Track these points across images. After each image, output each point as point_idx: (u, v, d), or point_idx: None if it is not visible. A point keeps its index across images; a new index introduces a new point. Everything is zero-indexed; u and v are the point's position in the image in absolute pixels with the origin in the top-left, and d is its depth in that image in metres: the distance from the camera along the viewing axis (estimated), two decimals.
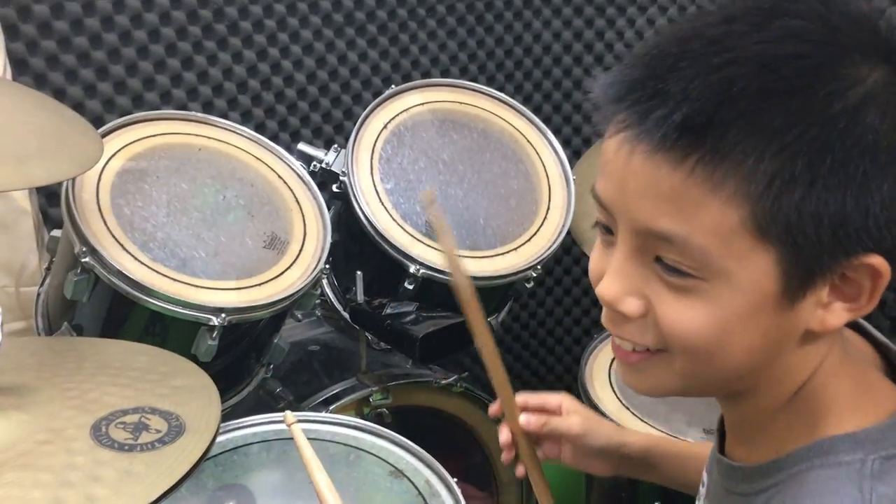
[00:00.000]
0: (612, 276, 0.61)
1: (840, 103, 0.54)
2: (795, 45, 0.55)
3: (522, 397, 0.93)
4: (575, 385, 1.50)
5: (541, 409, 0.93)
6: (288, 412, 0.80)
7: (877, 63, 0.56)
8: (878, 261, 0.57)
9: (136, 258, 1.17)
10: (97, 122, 1.53)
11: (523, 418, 0.90)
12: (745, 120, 0.54)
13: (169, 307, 1.15)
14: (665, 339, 0.60)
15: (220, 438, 1.16)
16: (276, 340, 1.38)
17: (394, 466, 1.14)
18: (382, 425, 1.22)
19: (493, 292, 1.51)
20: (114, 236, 1.17)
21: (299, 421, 1.20)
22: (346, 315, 1.48)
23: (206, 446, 0.70)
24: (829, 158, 0.54)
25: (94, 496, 0.63)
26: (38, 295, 1.35)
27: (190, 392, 0.79)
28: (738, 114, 0.54)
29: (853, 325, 0.70)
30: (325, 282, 1.53)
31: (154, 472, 0.67)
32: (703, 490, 0.77)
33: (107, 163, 1.23)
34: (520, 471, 0.91)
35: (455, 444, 1.61)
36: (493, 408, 0.94)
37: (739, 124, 0.54)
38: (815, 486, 0.59)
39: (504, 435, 0.90)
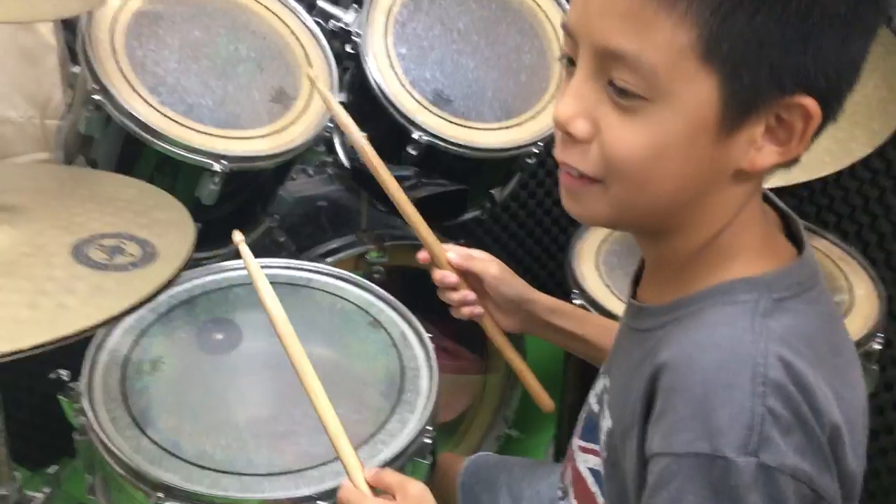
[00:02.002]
0: (568, 98, 0.64)
1: None
2: None
3: (449, 245, 1.06)
4: (560, 271, 1.54)
5: (465, 254, 1.04)
6: (235, 231, 0.87)
7: None
8: (810, 102, 0.60)
9: (145, 100, 1.22)
10: None
11: (450, 255, 1.03)
12: None
13: (173, 150, 1.22)
14: (605, 164, 0.64)
15: (216, 276, 1.24)
16: (280, 192, 1.45)
17: (373, 317, 1.21)
18: (376, 282, 1.29)
19: (497, 165, 1.55)
20: (125, 76, 1.22)
21: (294, 269, 1.29)
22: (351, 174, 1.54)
23: (172, 274, 0.78)
24: None
25: (66, 304, 0.71)
26: (60, 128, 1.42)
27: (168, 225, 0.86)
28: None
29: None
30: (336, 140, 1.58)
31: (122, 289, 0.74)
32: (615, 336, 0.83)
33: (123, 4, 1.27)
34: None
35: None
36: (422, 254, 1.07)
37: None
38: (710, 318, 0.65)
39: (437, 275, 1.04)
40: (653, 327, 0.70)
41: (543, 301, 1.05)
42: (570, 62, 0.66)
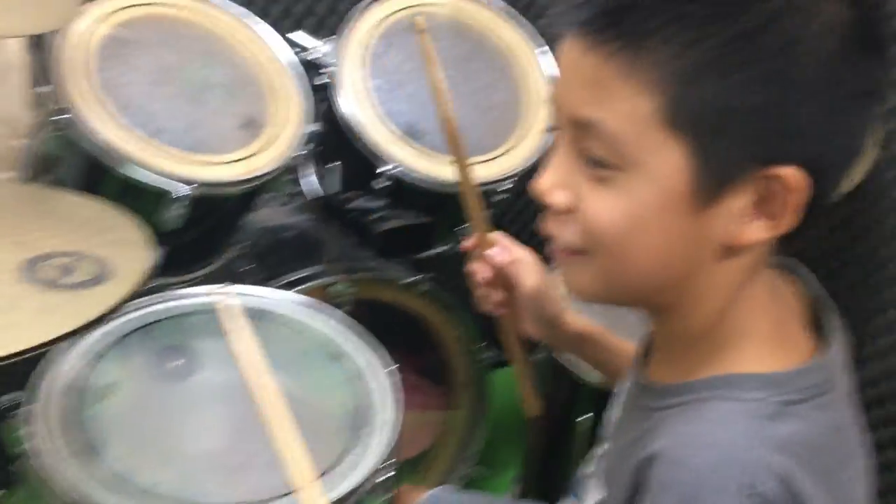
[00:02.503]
0: (548, 170, 0.64)
1: (762, 5, 0.55)
2: None
3: (499, 235, 1.00)
4: None
5: (512, 256, 0.97)
6: None
7: None
8: (791, 172, 0.58)
9: (111, 121, 1.21)
10: None
11: (494, 251, 0.97)
12: (662, 9, 0.56)
13: (137, 173, 1.20)
14: (585, 234, 0.63)
15: (177, 303, 1.22)
16: (247, 221, 1.43)
17: (337, 346, 1.19)
18: None
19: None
20: (93, 97, 1.21)
21: (263, 297, 1.27)
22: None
23: (125, 294, 0.76)
24: (739, 55, 0.55)
25: (11, 322, 0.69)
26: (26, 148, 1.40)
27: (124, 245, 0.85)
28: (657, 2, 0.56)
29: (791, 270, 0.72)
30: (308, 171, 1.58)
31: (70, 309, 0.72)
32: (616, 401, 0.82)
33: (97, 24, 1.26)
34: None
35: (415, 342, 1.67)
36: (468, 242, 1.02)
37: (656, 13, 0.56)
38: (711, 413, 0.62)
39: (473, 265, 0.99)
40: (655, 407, 0.68)
41: (574, 326, 1.00)
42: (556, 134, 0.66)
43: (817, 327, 0.69)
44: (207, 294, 1.25)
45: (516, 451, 1.77)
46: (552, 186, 0.64)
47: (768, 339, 0.65)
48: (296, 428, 1.04)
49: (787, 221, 0.60)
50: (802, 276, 0.72)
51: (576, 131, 0.61)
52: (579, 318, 1.01)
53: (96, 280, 0.77)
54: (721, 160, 0.58)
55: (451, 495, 1.19)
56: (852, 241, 1.74)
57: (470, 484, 1.75)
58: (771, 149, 0.57)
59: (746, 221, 0.60)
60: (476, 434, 1.74)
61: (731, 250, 0.62)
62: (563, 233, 0.65)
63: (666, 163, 0.58)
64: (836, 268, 1.78)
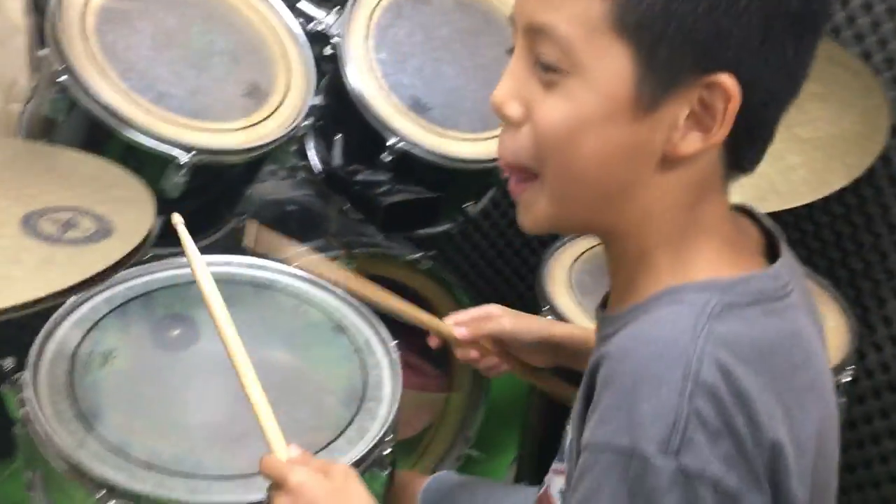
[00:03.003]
0: (504, 80, 0.65)
1: None
2: None
3: (452, 317, 1.05)
4: (529, 293, 1.52)
5: (471, 320, 1.03)
6: (175, 214, 0.82)
7: None
8: (727, 79, 0.59)
9: (113, 84, 1.18)
10: None
11: (457, 331, 1.02)
12: None
13: (140, 138, 1.17)
14: (534, 145, 0.64)
15: (177, 272, 1.20)
16: (248, 192, 1.41)
17: (337, 322, 1.17)
18: None
19: (472, 177, 1.52)
20: (94, 59, 1.18)
21: (257, 267, 1.25)
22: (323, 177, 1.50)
23: (127, 251, 0.73)
24: None
25: (11, 276, 0.67)
26: (23, 112, 1.37)
27: (126, 202, 0.82)
28: None
29: (747, 213, 0.73)
30: (309, 145, 1.55)
31: (72, 264, 0.70)
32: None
33: None
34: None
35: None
36: (432, 341, 1.08)
37: None
38: (657, 316, 0.63)
39: (459, 355, 1.06)
40: (612, 334, 0.67)
41: (569, 333, 1.04)
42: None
43: (771, 255, 0.70)
44: (209, 264, 1.22)
45: (514, 434, 1.76)
46: (507, 97, 0.65)
47: (716, 255, 0.66)
48: (296, 401, 1.03)
49: (720, 133, 0.61)
50: (756, 215, 0.74)
51: (530, 38, 0.63)
52: (563, 324, 1.06)
53: (98, 236, 0.75)
54: (663, 66, 0.59)
55: (453, 479, 1.17)
56: (863, 227, 1.73)
57: (467, 467, 1.73)
58: (711, 58, 0.59)
59: (684, 131, 0.62)
60: (474, 416, 1.72)
61: (670, 161, 0.63)
62: (512, 146, 0.66)
63: (611, 67, 0.60)
64: (851, 251, 1.77)
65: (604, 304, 0.76)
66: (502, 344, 1.04)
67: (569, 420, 0.83)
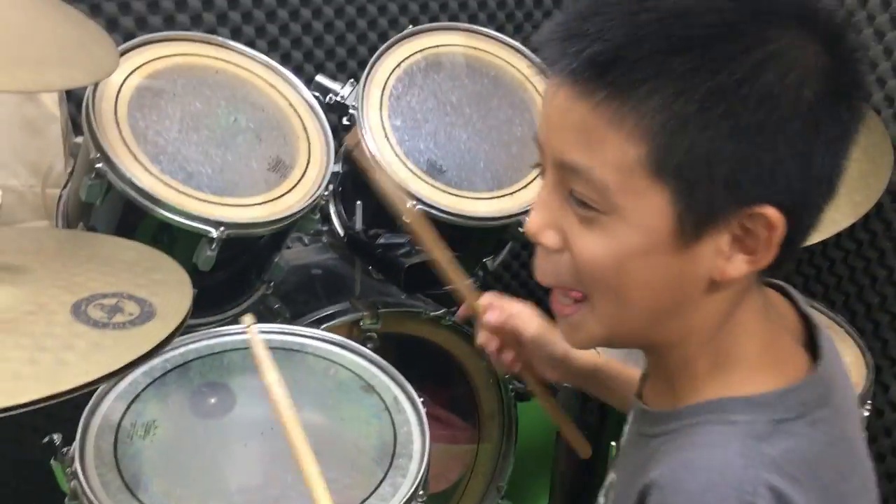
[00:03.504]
0: (536, 210, 0.67)
1: (743, 58, 0.58)
2: (711, 1, 0.60)
3: (488, 296, 1.04)
4: None
5: (503, 310, 1.02)
6: (247, 316, 0.88)
7: (788, 26, 0.60)
8: (771, 212, 0.60)
9: (146, 168, 1.25)
10: (129, 38, 1.60)
11: (488, 316, 1.01)
12: (648, 62, 0.58)
13: (172, 217, 1.24)
14: (577, 273, 0.65)
15: (210, 342, 1.26)
16: (276, 260, 1.47)
17: (366, 382, 1.22)
18: (371, 350, 1.30)
19: (489, 233, 1.58)
20: (127, 146, 1.26)
21: (288, 334, 1.30)
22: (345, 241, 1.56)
23: (169, 332, 0.79)
24: (723, 106, 0.57)
25: (66, 360, 0.73)
26: (60, 197, 1.45)
27: (166, 285, 0.88)
28: (644, 55, 0.58)
29: (782, 292, 0.74)
30: (331, 210, 1.61)
31: (121, 346, 0.75)
32: (625, 428, 0.84)
33: (128, 76, 1.31)
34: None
35: (442, 375, 1.69)
36: (461, 312, 1.07)
37: (643, 65, 0.58)
38: (702, 438, 0.63)
39: (480, 339, 1.04)
40: (651, 434, 0.69)
41: (585, 359, 1.03)
42: (543, 171, 0.68)
43: (811, 345, 0.70)
44: (242, 332, 1.28)
45: (544, 483, 1.78)
46: (543, 226, 0.66)
47: (758, 361, 0.67)
48: (329, 460, 1.07)
49: (767, 256, 0.62)
50: (792, 296, 0.74)
51: (562, 173, 0.63)
52: (586, 351, 1.04)
53: (142, 318, 0.81)
54: (703, 204, 0.60)
55: None
56: (876, 261, 1.76)
57: None
58: (751, 192, 0.60)
59: (728, 257, 0.62)
60: (505, 466, 1.75)
61: (717, 284, 0.64)
62: (555, 273, 0.67)
63: (650, 207, 0.60)
64: (866, 285, 1.79)
65: (639, 394, 0.77)
66: (522, 345, 1.03)
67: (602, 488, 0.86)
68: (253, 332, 0.85)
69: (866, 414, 1.36)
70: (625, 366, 1.03)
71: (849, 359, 1.45)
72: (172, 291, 0.88)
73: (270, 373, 0.80)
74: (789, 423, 0.62)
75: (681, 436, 0.65)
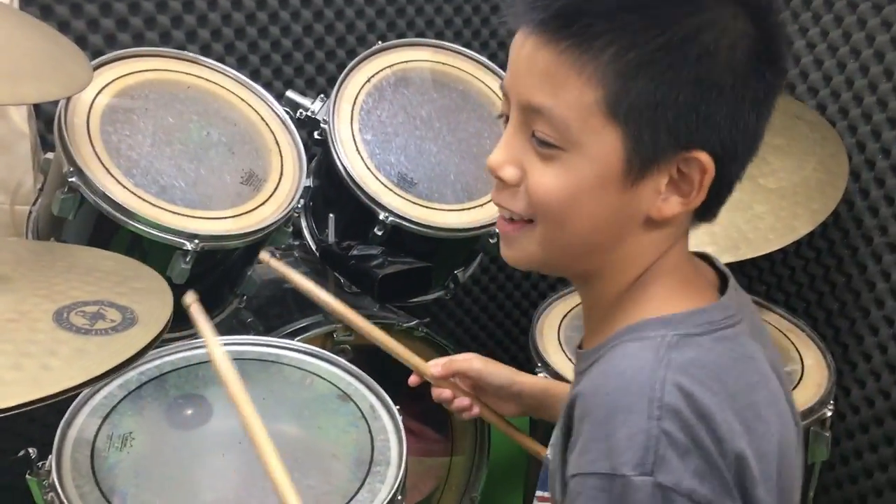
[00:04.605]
0: (499, 148, 0.74)
1: (687, 20, 0.66)
2: None
3: (433, 361, 1.12)
4: (521, 353, 1.58)
5: (447, 362, 1.11)
6: (188, 294, 0.90)
7: (724, 1, 0.68)
8: (704, 157, 0.68)
9: (119, 182, 1.26)
10: (98, 55, 1.61)
11: (432, 368, 1.10)
12: (607, 17, 0.66)
13: (146, 230, 1.24)
14: (530, 204, 0.72)
15: (186, 354, 1.26)
16: (249, 273, 1.48)
17: (342, 390, 1.23)
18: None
19: (460, 245, 1.60)
20: (100, 160, 1.26)
21: (263, 345, 1.31)
22: (318, 254, 1.57)
23: (152, 337, 0.80)
24: (668, 60, 0.66)
25: (50, 365, 0.73)
26: (30, 213, 1.44)
27: (147, 293, 0.89)
28: (603, 10, 0.66)
29: (707, 260, 0.82)
30: (303, 224, 1.63)
31: (103, 352, 0.76)
32: None
33: (99, 92, 1.32)
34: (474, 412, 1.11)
35: (416, 387, 1.69)
36: (412, 379, 1.14)
37: (602, 20, 0.66)
38: (620, 352, 0.70)
39: (434, 393, 1.12)
40: (584, 370, 0.75)
41: (532, 382, 1.10)
42: (507, 119, 0.75)
43: (723, 292, 0.77)
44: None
45: (518, 493, 1.80)
46: (503, 162, 0.73)
47: (675, 291, 0.74)
48: (307, 468, 1.07)
49: (698, 198, 0.70)
50: (713, 261, 0.82)
51: (526, 115, 0.70)
52: (530, 375, 1.12)
53: (124, 325, 0.81)
54: (648, 145, 0.67)
55: None
56: (835, 268, 1.81)
57: None
58: (688, 137, 0.67)
59: (665, 197, 0.70)
60: (478, 477, 1.76)
61: (652, 222, 0.71)
62: (510, 202, 0.73)
63: (604, 145, 0.68)
64: (826, 292, 1.84)
65: (580, 345, 0.83)
66: (474, 387, 1.11)
67: (548, 449, 0.90)
68: (194, 308, 0.86)
69: (829, 414, 1.39)
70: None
71: (810, 361, 1.49)
72: (153, 298, 0.88)
73: (216, 347, 0.82)
74: (696, 337, 0.70)
75: (604, 358, 0.72)
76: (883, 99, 1.65)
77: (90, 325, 0.80)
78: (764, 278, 1.92)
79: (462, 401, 1.10)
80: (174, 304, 1.00)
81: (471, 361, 1.10)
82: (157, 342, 0.82)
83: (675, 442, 0.64)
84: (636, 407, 0.65)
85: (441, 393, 1.11)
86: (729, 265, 0.81)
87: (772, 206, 1.55)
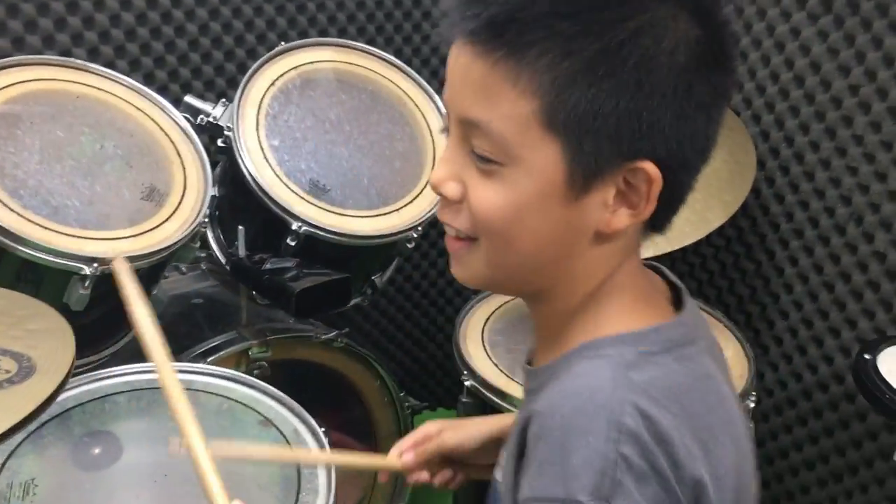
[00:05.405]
0: (440, 164, 0.71)
1: (624, 24, 0.63)
2: None
3: (395, 448, 1.01)
4: (448, 344, 1.55)
5: (413, 446, 1.00)
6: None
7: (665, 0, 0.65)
8: (650, 167, 0.65)
9: (5, 205, 1.16)
10: None
11: (403, 460, 1.00)
12: (540, 25, 0.63)
13: (39, 255, 1.15)
14: (473, 221, 0.69)
15: (90, 387, 1.17)
16: (154, 292, 1.39)
17: (263, 416, 1.17)
18: (263, 379, 1.25)
19: (377, 251, 1.55)
20: None
21: (178, 371, 1.23)
22: (229, 269, 1.50)
23: (53, 388, 0.72)
24: (605, 66, 0.63)
25: None
26: None
27: (44, 335, 0.80)
28: (536, 18, 0.63)
29: (657, 271, 0.79)
30: (210, 235, 1.54)
31: (0, 409, 0.68)
32: None
33: None
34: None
35: (335, 398, 1.65)
36: (383, 476, 1.13)
37: (536, 28, 0.63)
38: (577, 371, 0.67)
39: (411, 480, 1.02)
40: (536, 389, 0.72)
41: (502, 426, 1.01)
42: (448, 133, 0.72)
43: (677, 305, 0.76)
44: (123, 374, 1.20)
45: (447, 497, 1.77)
46: (445, 178, 0.70)
47: (631, 308, 0.71)
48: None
49: (647, 209, 0.67)
50: (664, 272, 0.80)
51: (464, 130, 0.67)
52: (500, 417, 1.04)
53: (20, 376, 0.73)
54: (590, 156, 0.64)
55: None
56: (744, 255, 1.84)
57: None
58: (632, 146, 0.64)
59: (613, 210, 0.67)
60: (404, 487, 1.73)
61: (602, 236, 0.68)
62: (453, 219, 0.71)
63: (543, 158, 0.65)
64: (737, 279, 1.87)
65: (529, 361, 0.80)
66: (450, 457, 1.02)
67: (497, 467, 0.86)
68: (119, 262, 0.79)
69: (752, 405, 1.41)
70: None
71: (729, 353, 1.51)
72: (52, 341, 0.80)
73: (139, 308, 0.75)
74: (655, 356, 0.67)
75: (559, 377, 0.69)
76: (784, 88, 1.69)
77: None
78: (676, 267, 1.94)
79: (443, 475, 1.02)
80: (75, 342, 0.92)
81: (441, 439, 1.00)
82: (61, 392, 0.74)
83: (632, 467, 0.61)
84: (593, 429, 0.62)
85: (419, 478, 1.02)
86: (646, 260, 0.79)
87: (686, 194, 1.55)
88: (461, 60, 0.66)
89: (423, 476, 1.02)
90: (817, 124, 1.65)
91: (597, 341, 0.69)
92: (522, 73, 0.63)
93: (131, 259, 1.21)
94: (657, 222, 0.71)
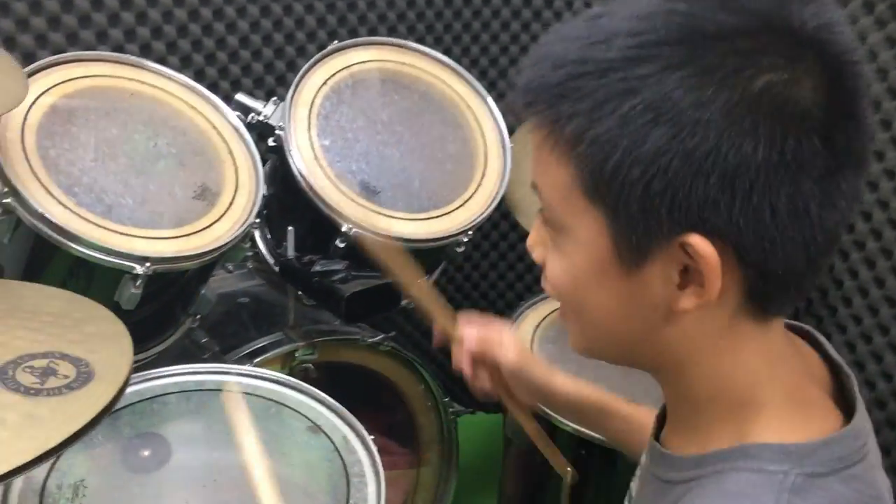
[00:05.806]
0: (533, 230, 0.70)
1: (648, 83, 0.57)
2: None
3: (465, 318, 1.03)
4: None
5: (482, 339, 1.01)
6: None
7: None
8: (697, 240, 0.57)
9: (59, 202, 1.15)
10: (28, 58, 1.49)
11: (467, 340, 1.01)
12: (567, 92, 0.60)
13: (92, 253, 1.14)
14: (549, 288, 0.68)
15: (139, 387, 1.16)
16: (203, 291, 1.38)
17: (312, 422, 1.15)
18: (307, 381, 1.24)
19: (425, 255, 1.52)
20: (37, 177, 1.15)
21: (222, 373, 1.22)
22: (277, 269, 1.48)
23: (113, 395, 0.71)
24: (639, 130, 0.57)
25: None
26: None
27: (102, 339, 0.79)
28: (559, 85, 0.60)
29: (808, 338, 0.71)
30: (257, 234, 1.53)
31: (58, 417, 0.67)
32: (638, 471, 0.80)
33: (34, 102, 1.21)
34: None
35: (380, 401, 1.63)
36: (436, 339, 1.07)
37: (564, 96, 0.60)
38: (733, 486, 0.60)
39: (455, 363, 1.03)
40: (674, 480, 0.66)
41: (566, 390, 1.01)
42: None
43: (839, 394, 0.68)
44: (172, 374, 1.20)
45: (490, 501, 1.75)
46: (532, 244, 0.70)
47: (785, 406, 0.64)
48: None
49: (713, 289, 0.59)
50: (819, 342, 0.71)
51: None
52: (570, 382, 1.02)
53: (79, 382, 0.72)
54: (634, 226, 0.59)
55: None
56: None
57: None
58: (672, 218, 0.58)
59: (682, 286, 0.60)
60: (447, 490, 1.71)
61: (676, 314, 0.61)
62: (546, 287, 0.69)
63: (590, 228, 0.62)
64: None
65: (659, 424, 0.74)
66: (500, 372, 1.01)
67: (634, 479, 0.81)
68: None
69: None
70: (619, 400, 1.00)
71: None
72: (110, 345, 0.79)
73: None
74: (822, 479, 0.60)
75: (710, 482, 0.62)
76: None
77: (41, 383, 0.70)
78: (813, 310, 1.88)
79: (483, 381, 1.02)
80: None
81: (507, 353, 0.99)
82: (119, 399, 0.73)
83: None
84: None
85: (460, 364, 1.02)
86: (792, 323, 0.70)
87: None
88: (530, 135, 0.65)
89: (468, 368, 1.02)
90: (882, 133, 1.60)
91: (753, 448, 0.61)
92: (558, 141, 0.60)
93: (183, 259, 1.21)
94: (764, 306, 0.61)
